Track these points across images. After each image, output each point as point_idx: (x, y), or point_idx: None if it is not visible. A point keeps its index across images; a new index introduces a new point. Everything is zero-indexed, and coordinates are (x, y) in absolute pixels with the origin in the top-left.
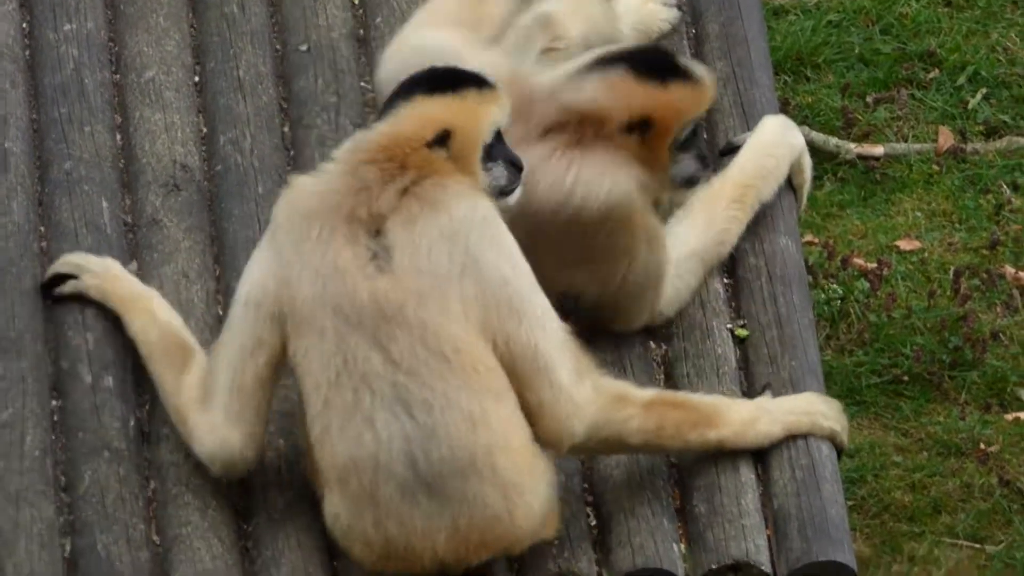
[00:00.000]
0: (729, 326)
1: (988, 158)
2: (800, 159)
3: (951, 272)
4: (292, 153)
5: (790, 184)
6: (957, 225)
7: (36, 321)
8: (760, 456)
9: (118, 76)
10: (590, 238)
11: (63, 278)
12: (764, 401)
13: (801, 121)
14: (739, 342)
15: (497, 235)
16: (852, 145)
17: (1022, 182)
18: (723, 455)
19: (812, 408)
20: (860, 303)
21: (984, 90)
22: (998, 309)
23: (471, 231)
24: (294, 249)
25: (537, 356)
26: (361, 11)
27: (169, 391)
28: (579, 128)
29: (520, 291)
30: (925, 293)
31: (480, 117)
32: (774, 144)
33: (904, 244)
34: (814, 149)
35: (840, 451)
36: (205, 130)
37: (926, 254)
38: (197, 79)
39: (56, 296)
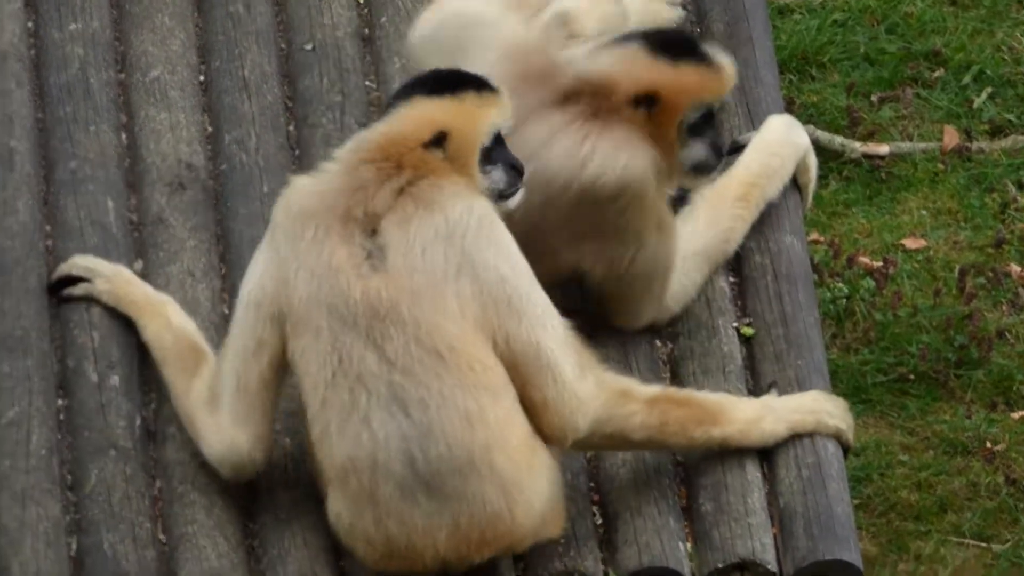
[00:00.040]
0: (735, 325)
1: (993, 157)
2: (805, 158)
3: (956, 271)
4: (297, 152)
5: (795, 183)
6: (962, 224)
7: (42, 319)
8: (766, 454)
9: (123, 75)
10: (601, 212)
11: (72, 280)
12: (769, 400)
13: (806, 120)
14: (745, 341)
15: (494, 235)
16: (857, 144)
17: None
18: (729, 454)
19: (818, 407)
20: (866, 302)
21: (989, 89)
22: (1004, 307)
23: (467, 231)
24: (291, 249)
25: (540, 353)
26: (366, 10)
27: (180, 395)
28: (592, 100)
29: (519, 290)
30: (931, 291)
31: (477, 120)
32: (779, 143)
33: (909, 243)
34: (819, 148)
35: (846, 450)
36: (210, 129)
37: (931, 253)
38: (202, 78)
39: (64, 297)
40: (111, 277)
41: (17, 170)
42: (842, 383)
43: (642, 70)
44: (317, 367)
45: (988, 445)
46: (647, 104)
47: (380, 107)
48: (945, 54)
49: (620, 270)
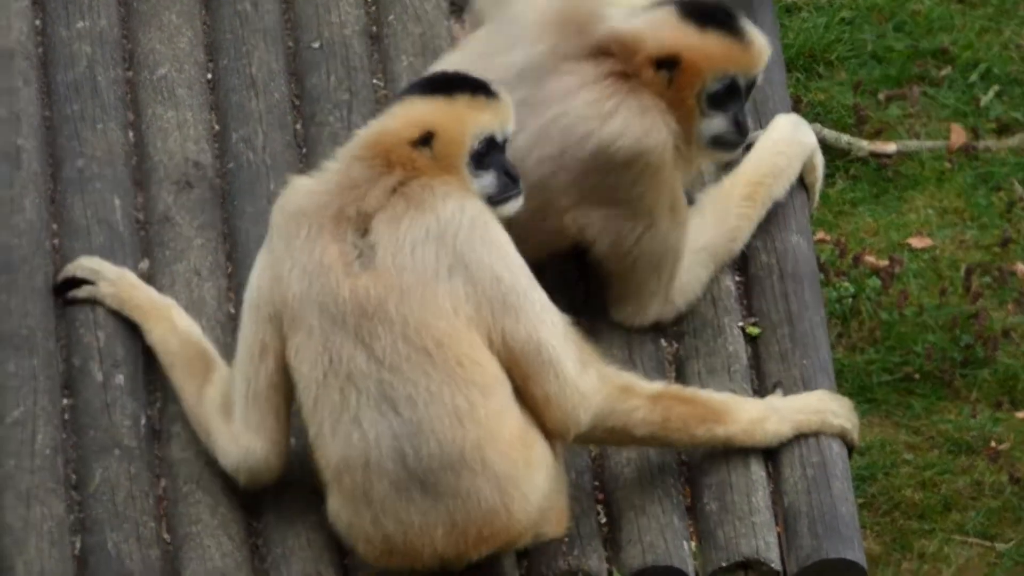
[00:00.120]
0: (740, 324)
1: (1000, 155)
2: (812, 157)
3: (963, 270)
4: (304, 150)
5: (802, 182)
6: (969, 222)
7: (48, 319)
8: (771, 454)
9: (131, 73)
10: (614, 176)
11: (77, 281)
12: (774, 400)
13: (813, 118)
14: (750, 340)
15: (487, 235)
16: (864, 142)
17: None
18: (733, 453)
19: (823, 406)
20: (871, 301)
21: (996, 87)
22: (1009, 307)
23: (459, 232)
24: (286, 248)
25: (540, 349)
26: (374, 8)
27: (191, 403)
28: (620, 59)
29: (516, 288)
30: (936, 291)
31: (465, 122)
32: (786, 142)
33: (916, 242)
34: (826, 146)
35: (851, 449)
36: (217, 127)
37: (938, 251)
38: (210, 76)
39: (68, 299)
40: (115, 280)
41: (24, 168)
42: (847, 382)
43: (668, 32)
44: (309, 366)
45: (993, 444)
46: (668, 68)
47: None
48: (952, 52)
49: (626, 246)
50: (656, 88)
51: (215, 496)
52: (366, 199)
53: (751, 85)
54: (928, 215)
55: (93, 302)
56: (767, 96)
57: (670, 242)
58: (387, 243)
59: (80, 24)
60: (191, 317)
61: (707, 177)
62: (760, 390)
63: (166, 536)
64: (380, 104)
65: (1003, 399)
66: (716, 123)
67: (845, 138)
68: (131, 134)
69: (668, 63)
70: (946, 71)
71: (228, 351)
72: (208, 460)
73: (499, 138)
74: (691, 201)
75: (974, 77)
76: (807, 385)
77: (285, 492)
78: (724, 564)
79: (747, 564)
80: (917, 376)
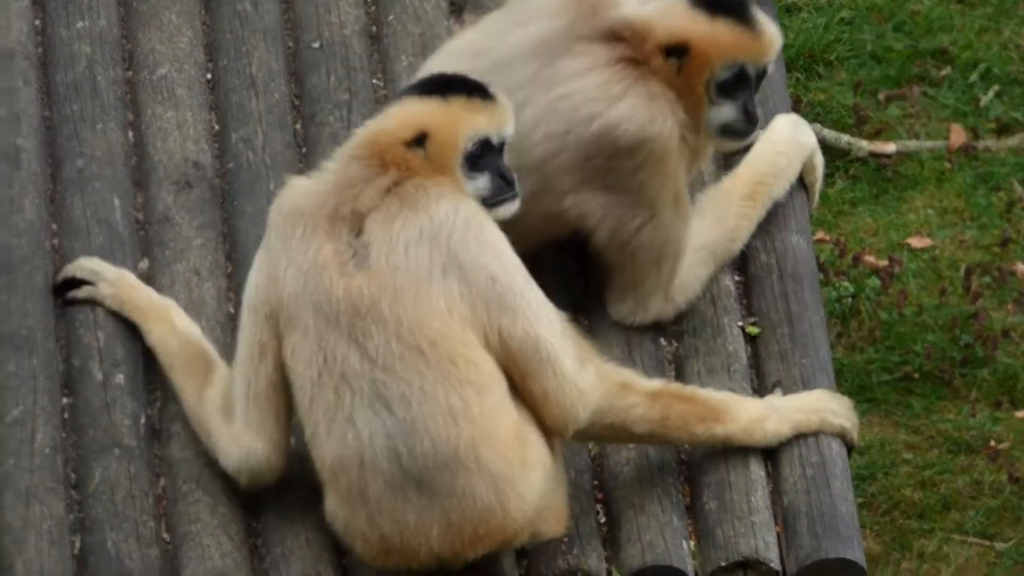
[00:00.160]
0: (740, 323)
1: (1000, 155)
2: (812, 157)
3: (962, 269)
4: (304, 150)
5: (802, 182)
6: (968, 222)
7: (47, 318)
8: (770, 453)
9: (130, 73)
10: (617, 162)
11: (76, 281)
12: (773, 400)
13: (813, 118)
14: (750, 339)
15: (481, 235)
16: (864, 142)
17: None
18: (733, 452)
19: (822, 406)
20: (871, 300)
21: (996, 87)
22: (1009, 307)
23: (453, 232)
24: (281, 247)
25: (538, 347)
26: (374, 8)
27: (191, 404)
28: (631, 45)
29: (511, 287)
30: (936, 290)
31: (459, 124)
32: (786, 142)
33: (915, 241)
34: (826, 146)
35: (850, 448)
36: (217, 127)
37: (937, 251)
38: (209, 76)
39: (68, 299)
40: (115, 281)
41: (24, 168)
42: (847, 382)
43: (677, 20)
44: (304, 366)
45: (992, 444)
46: (678, 55)
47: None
48: (952, 52)
49: (626, 235)
50: (666, 75)
51: (215, 496)
52: (360, 199)
53: (761, 74)
54: (928, 215)
55: (93, 302)
56: (767, 96)
57: (672, 235)
58: (381, 243)
59: (80, 24)
60: (191, 317)
61: (707, 177)
62: (760, 390)
63: (165, 536)
64: (380, 104)
65: (1003, 399)
66: (725, 111)
67: (845, 138)
68: (131, 134)
69: (677, 50)
70: (946, 71)
71: (228, 351)
72: (208, 460)
73: (495, 141)
74: (691, 201)
75: (974, 77)
76: (807, 385)
77: (285, 492)
78: (723, 563)
79: (746, 564)
80: (917, 376)
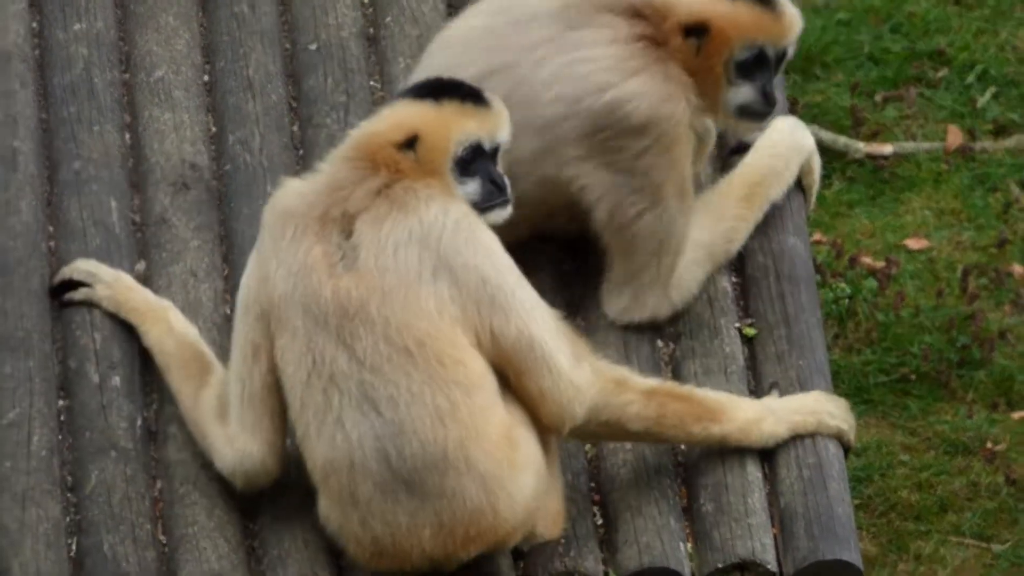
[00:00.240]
0: (737, 325)
1: (997, 157)
2: (809, 160)
3: (959, 271)
4: (301, 152)
5: (799, 184)
6: (965, 224)
7: (44, 320)
8: (767, 455)
9: (127, 75)
10: (625, 140)
11: (73, 283)
12: (770, 401)
13: (810, 120)
14: (747, 341)
15: (472, 237)
16: (861, 144)
17: None
18: (730, 454)
19: (819, 407)
20: (868, 302)
21: (993, 89)
22: (1006, 308)
23: (442, 234)
24: (273, 248)
25: (532, 345)
26: (371, 10)
27: (188, 406)
28: (652, 24)
29: (503, 288)
30: (933, 292)
31: (451, 128)
32: (784, 145)
33: (912, 243)
34: (823, 148)
35: (847, 450)
36: (214, 129)
37: (934, 253)
38: (206, 78)
39: (64, 301)
40: (112, 283)
41: (21, 170)
42: (844, 383)
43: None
44: (294, 367)
45: (989, 445)
46: (697, 35)
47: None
48: (949, 54)
49: (626, 219)
50: (684, 56)
51: (211, 498)
52: (351, 200)
53: (781, 56)
54: (925, 216)
55: (89, 304)
56: None
57: (675, 228)
58: (370, 244)
59: (77, 26)
60: (188, 319)
61: (705, 179)
62: (756, 391)
63: (162, 538)
64: (377, 106)
65: (999, 400)
66: (743, 92)
67: (842, 140)
68: (128, 136)
69: (697, 30)
70: (943, 73)
71: (225, 353)
72: (204, 462)
73: (487, 146)
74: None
75: (971, 78)
76: (803, 386)
77: (281, 494)
78: (720, 565)
79: (743, 565)
80: (913, 377)
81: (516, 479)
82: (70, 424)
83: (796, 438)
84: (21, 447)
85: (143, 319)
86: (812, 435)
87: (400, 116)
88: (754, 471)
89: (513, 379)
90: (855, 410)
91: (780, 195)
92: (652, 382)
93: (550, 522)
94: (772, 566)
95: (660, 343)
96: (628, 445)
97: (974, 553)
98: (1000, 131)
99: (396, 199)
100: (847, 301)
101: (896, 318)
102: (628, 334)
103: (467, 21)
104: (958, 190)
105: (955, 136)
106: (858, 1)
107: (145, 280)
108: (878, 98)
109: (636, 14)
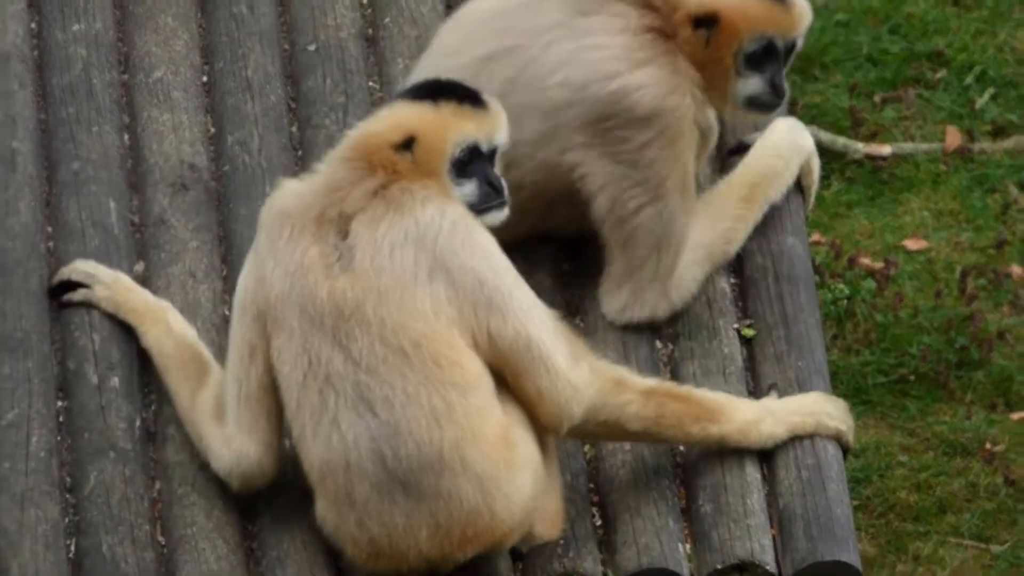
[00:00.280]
0: (736, 326)
1: (995, 158)
2: (809, 161)
3: (958, 272)
4: (300, 153)
5: (798, 185)
6: (964, 225)
7: (43, 321)
8: (766, 456)
9: (126, 76)
10: (629, 131)
11: (72, 284)
12: (769, 402)
13: (809, 121)
14: (746, 342)
15: (468, 238)
16: (860, 145)
17: None
18: (729, 455)
19: (818, 408)
20: (867, 303)
21: (992, 90)
22: (1005, 309)
23: (439, 235)
24: (270, 248)
25: (530, 346)
26: (370, 11)
27: (184, 407)
28: (661, 15)
29: (500, 289)
30: (932, 293)
31: (448, 129)
32: (784, 146)
33: (911, 244)
34: (822, 149)
35: (846, 451)
36: (213, 130)
37: (933, 254)
38: (205, 79)
39: (63, 302)
40: (111, 284)
41: (19, 171)
42: (842, 384)
43: None
44: (290, 368)
45: (987, 446)
46: (707, 26)
47: None
48: (948, 55)
49: (627, 212)
50: (693, 48)
51: (210, 499)
52: (348, 201)
53: (790, 48)
54: (923, 217)
55: (88, 305)
56: None
57: (676, 224)
58: (366, 245)
59: (76, 27)
60: (186, 320)
61: (704, 180)
62: (755, 392)
63: (161, 539)
64: (376, 107)
65: (998, 401)
66: (752, 84)
67: (841, 140)
68: (126, 137)
69: (706, 21)
70: (941, 74)
71: (223, 354)
72: (203, 463)
73: (484, 148)
74: None
75: (969, 79)
76: (802, 387)
77: (280, 494)
78: (719, 566)
79: (742, 567)
80: (912, 378)
81: (513, 479)
82: (69, 425)
83: (795, 439)
84: (20, 448)
85: (142, 320)
86: (811, 436)
87: (397, 117)
88: (753, 472)
89: (511, 380)
90: (854, 411)
91: (779, 196)
92: (651, 382)
93: (549, 523)
94: (771, 567)
95: (659, 344)
96: (627, 446)
97: (973, 554)
98: (999, 132)
99: (392, 200)
100: (846, 302)
101: (895, 319)
102: (627, 335)
103: (480, 3)
104: (957, 191)
105: (954, 137)
106: (857, 2)
107: (144, 281)
108: (877, 99)
109: (646, 5)
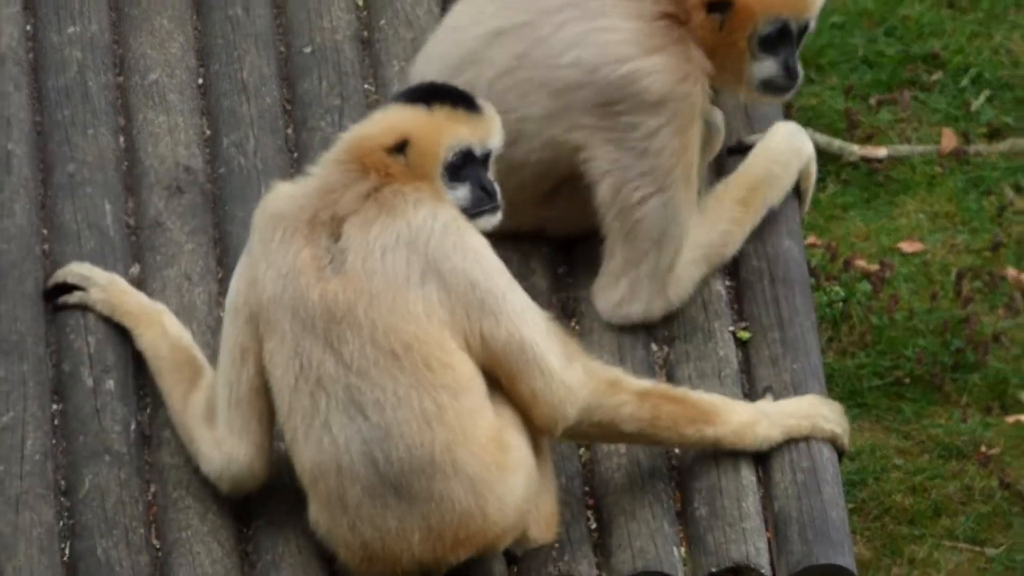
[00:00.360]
0: (731, 328)
1: (991, 160)
2: (808, 165)
3: (953, 274)
4: (296, 155)
5: (795, 188)
6: (959, 227)
7: (38, 324)
8: (761, 459)
9: (122, 78)
10: (638, 117)
11: (67, 287)
12: (764, 405)
13: (805, 123)
14: (741, 344)
15: (460, 241)
16: (855, 147)
17: None
18: (724, 458)
19: (813, 411)
20: (862, 305)
21: (987, 92)
22: (1000, 311)
23: (431, 238)
24: (262, 251)
25: (524, 348)
26: (365, 13)
27: (177, 409)
28: (675, 1)
29: (493, 291)
30: (927, 295)
31: (441, 133)
32: (783, 150)
33: (906, 246)
34: (817, 151)
35: (841, 454)
36: (208, 132)
37: (928, 256)
38: (201, 81)
39: (59, 305)
40: (106, 286)
41: (15, 173)
42: (838, 387)
43: None
44: (282, 371)
45: (983, 449)
46: (720, 10)
47: None
48: (943, 57)
49: (630, 202)
50: (706, 32)
51: (205, 502)
52: (340, 204)
53: (803, 30)
54: (919, 219)
55: (83, 307)
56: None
57: (679, 218)
58: (357, 248)
59: (71, 29)
60: (182, 322)
61: (703, 181)
62: (751, 394)
63: (156, 542)
64: (371, 109)
65: (993, 404)
66: (767, 67)
67: (836, 143)
68: (122, 139)
69: (720, 6)
70: (937, 76)
71: (217, 356)
72: (198, 466)
73: (477, 152)
74: None
75: (965, 82)
76: (798, 390)
77: (274, 498)
78: (714, 570)
79: (737, 570)
80: (907, 380)
81: (505, 482)
82: (64, 428)
83: (790, 442)
84: (15, 451)
85: (137, 323)
86: (806, 439)
87: (391, 120)
88: (748, 475)
89: (505, 382)
90: (849, 414)
91: (778, 200)
92: (646, 383)
93: (543, 525)
94: (766, 570)
95: (654, 346)
96: (622, 449)
97: (968, 557)
98: (994, 134)
99: (385, 203)
100: (841, 304)
101: (890, 321)
102: (623, 337)
103: None
104: (952, 193)
105: (949, 139)
106: (852, 4)
107: (139, 283)
108: (872, 101)
109: None
